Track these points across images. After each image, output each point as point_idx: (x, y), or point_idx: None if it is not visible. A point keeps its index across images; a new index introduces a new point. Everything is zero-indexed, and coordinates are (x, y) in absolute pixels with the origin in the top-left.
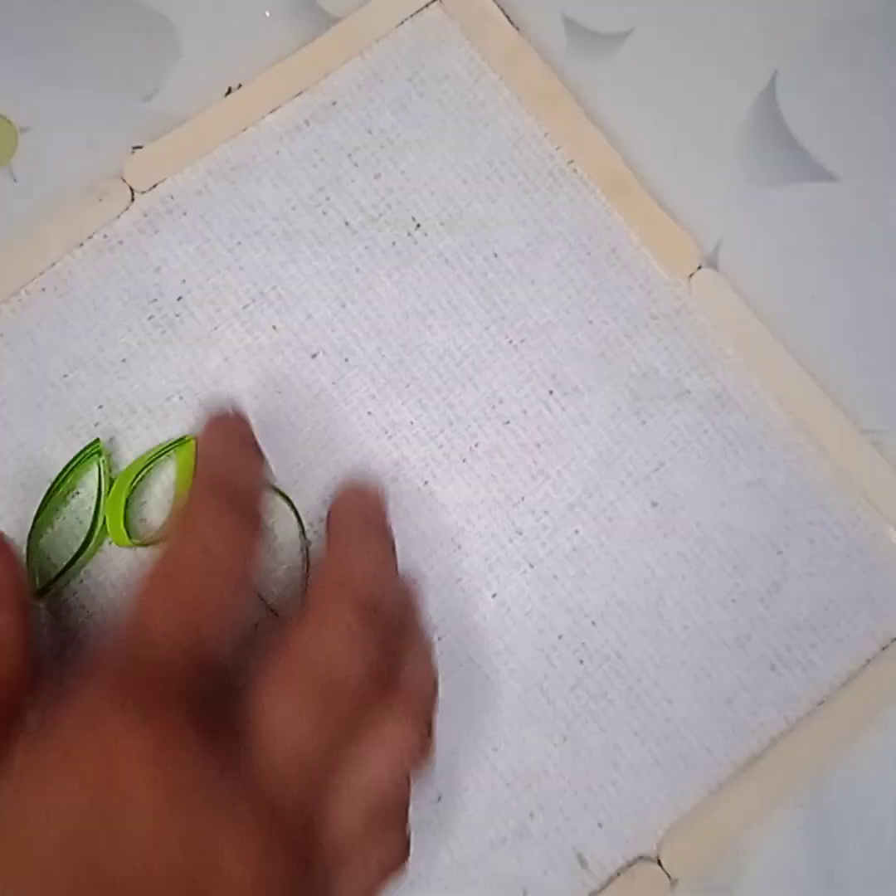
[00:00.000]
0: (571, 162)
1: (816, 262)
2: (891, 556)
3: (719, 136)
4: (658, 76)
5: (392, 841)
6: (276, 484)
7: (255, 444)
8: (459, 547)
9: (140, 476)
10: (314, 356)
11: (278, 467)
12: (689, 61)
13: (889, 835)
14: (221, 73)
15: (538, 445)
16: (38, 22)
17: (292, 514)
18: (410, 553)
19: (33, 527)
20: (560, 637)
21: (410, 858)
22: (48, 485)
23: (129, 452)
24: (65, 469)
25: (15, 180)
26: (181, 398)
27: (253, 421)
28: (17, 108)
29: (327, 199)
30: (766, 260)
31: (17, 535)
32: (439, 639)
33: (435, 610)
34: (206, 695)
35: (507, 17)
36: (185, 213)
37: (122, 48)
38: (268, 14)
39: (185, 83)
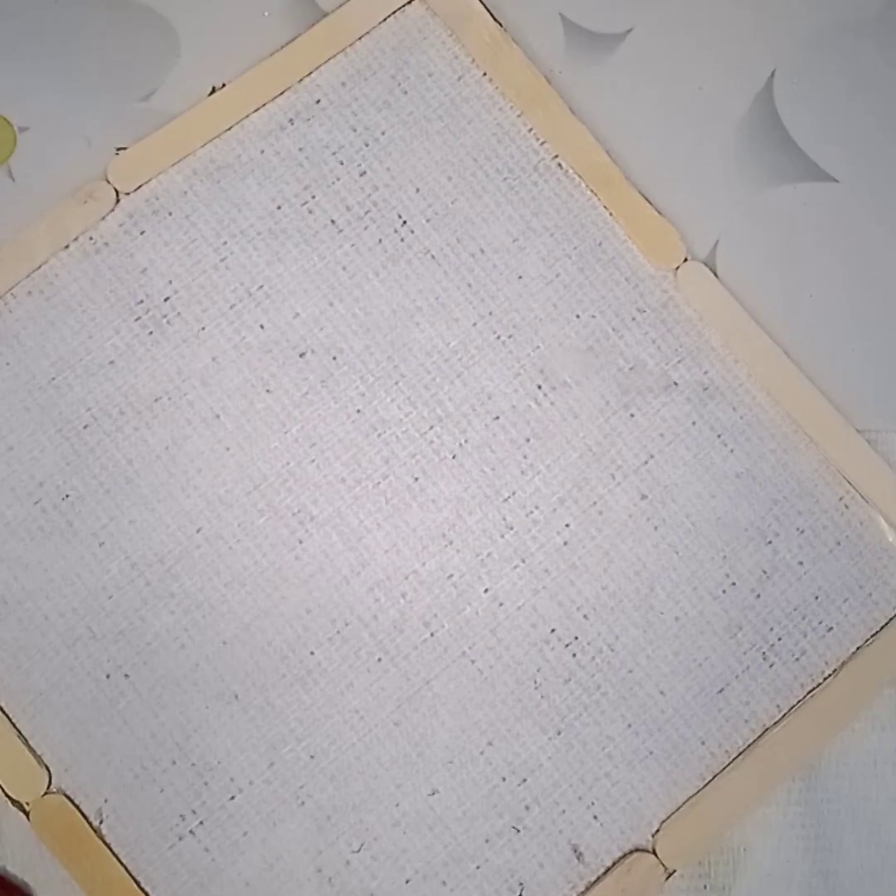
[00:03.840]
0: (556, 157)
1: (813, 262)
2: (879, 544)
3: (717, 136)
4: (656, 76)
5: None
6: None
7: None
8: (451, 543)
9: None
10: (302, 355)
11: (268, 468)
12: (688, 61)
13: (881, 821)
14: (220, 73)
15: (527, 440)
16: (38, 22)
17: None
18: (402, 550)
19: None
20: (552, 631)
21: (408, 853)
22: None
23: (119, 454)
24: None
25: (14, 180)
26: (170, 399)
27: (243, 422)
28: (16, 108)
29: (313, 197)
30: (763, 259)
31: (8, 538)
32: (432, 635)
33: (427, 606)
34: None
35: (491, 13)
36: (170, 214)
37: (121, 49)
38: (267, 14)
39: (184, 84)
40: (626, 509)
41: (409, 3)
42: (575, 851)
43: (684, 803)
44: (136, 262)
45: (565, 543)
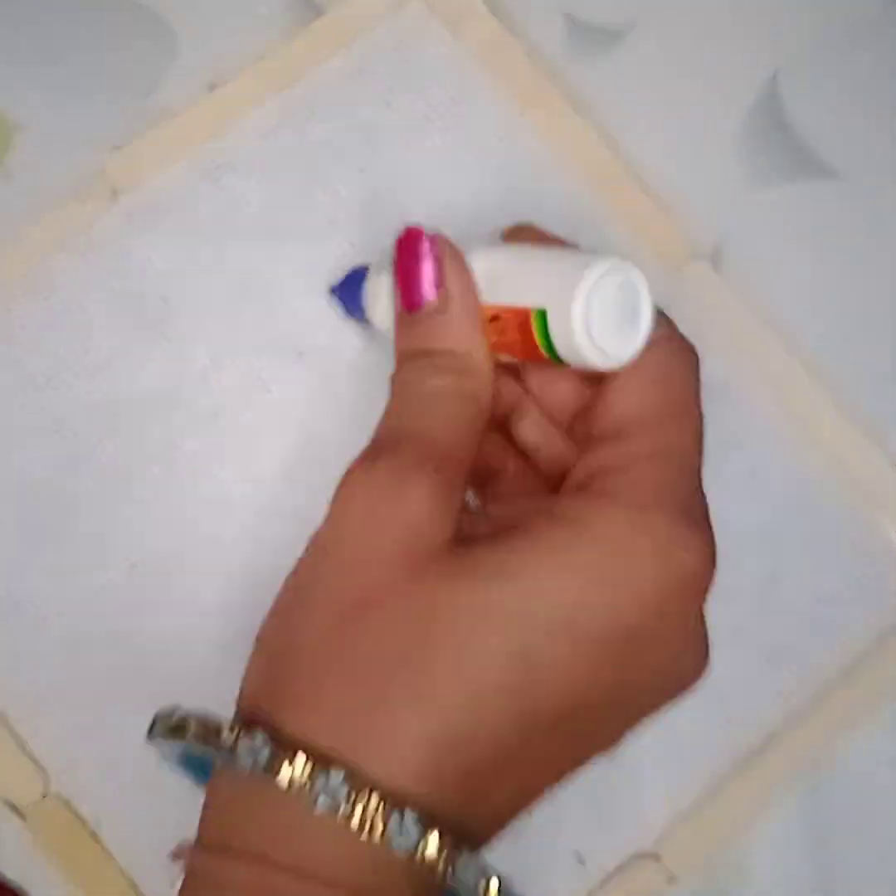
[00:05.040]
0: (557, 154)
1: (818, 260)
2: (886, 547)
3: (721, 133)
4: (659, 73)
5: None
6: None
7: None
8: None
9: None
10: (301, 355)
11: (268, 469)
12: (692, 58)
13: (887, 826)
14: (218, 71)
15: None
16: (35, 20)
17: None
18: None
19: None
20: None
21: None
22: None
23: (117, 454)
24: None
25: (11, 178)
26: (168, 399)
27: (241, 422)
28: (12, 105)
29: (311, 195)
30: (768, 258)
31: (5, 539)
32: None
33: None
34: None
35: (491, 10)
36: (168, 212)
37: (119, 47)
38: (265, 12)
39: (182, 81)
40: None
41: None
42: (577, 857)
43: (688, 808)
44: (134, 261)
45: None
